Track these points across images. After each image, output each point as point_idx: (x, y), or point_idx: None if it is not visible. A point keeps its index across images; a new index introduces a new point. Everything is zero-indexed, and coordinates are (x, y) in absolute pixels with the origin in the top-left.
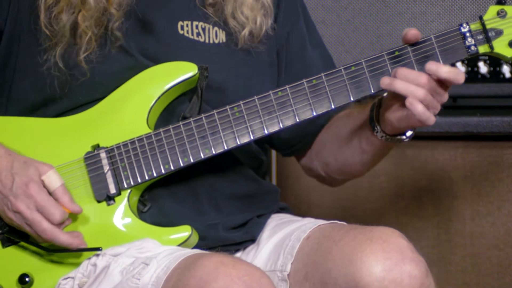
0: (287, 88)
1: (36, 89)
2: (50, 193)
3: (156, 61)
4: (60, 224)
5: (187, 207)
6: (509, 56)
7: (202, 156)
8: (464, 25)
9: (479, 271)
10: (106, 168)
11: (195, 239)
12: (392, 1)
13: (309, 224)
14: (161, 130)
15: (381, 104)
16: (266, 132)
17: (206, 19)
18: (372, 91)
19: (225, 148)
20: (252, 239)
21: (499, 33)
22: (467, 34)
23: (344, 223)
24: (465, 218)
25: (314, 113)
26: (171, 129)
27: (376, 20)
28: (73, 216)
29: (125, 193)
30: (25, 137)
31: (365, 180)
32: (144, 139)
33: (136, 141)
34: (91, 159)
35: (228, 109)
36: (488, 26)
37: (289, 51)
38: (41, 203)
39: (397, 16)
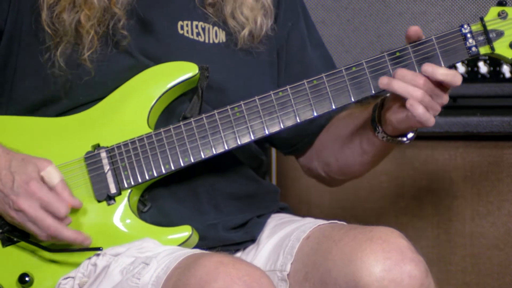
0: (288, 89)
1: (37, 88)
2: (50, 189)
3: (156, 61)
4: (63, 220)
5: (187, 207)
6: (510, 58)
7: (203, 156)
8: (465, 26)
9: (479, 271)
10: (107, 167)
11: (195, 239)
12: (392, 1)
13: (309, 224)
14: (161, 130)
15: (384, 104)
16: (267, 132)
17: (206, 19)
18: (373, 91)
19: (226, 148)
20: (252, 239)
21: (500, 34)
22: (468, 35)
23: (344, 223)
24: (465, 218)
25: (315, 114)
26: (172, 129)
27: (376, 20)
28: (74, 216)
29: (126, 193)
30: (25, 136)
31: (365, 180)
32: (145, 139)
33: (137, 141)
34: (92, 159)
35: (229, 109)
36: (489, 27)
37: (289, 51)
38: (45, 199)
39: (397, 16)
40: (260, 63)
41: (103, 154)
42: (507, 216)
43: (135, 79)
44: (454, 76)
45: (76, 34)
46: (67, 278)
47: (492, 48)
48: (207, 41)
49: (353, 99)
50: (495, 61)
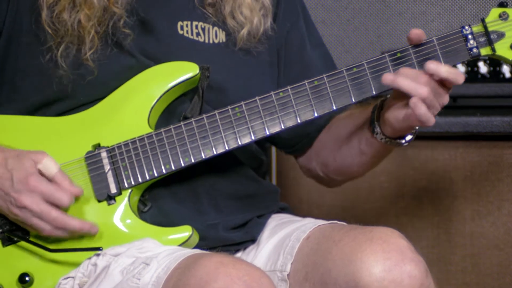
0: (289, 89)
1: (38, 89)
2: (50, 180)
3: (156, 61)
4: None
5: (187, 207)
6: (510, 59)
7: (203, 156)
8: (466, 27)
9: (479, 271)
10: (107, 167)
11: (195, 239)
12: (392, 1)
13: (309, 224)
14: (162, 130)
15: (383, 106)
16: (268, 132)
17: (206, 19)
18: (374, 92)
19: (226, 148)
20: (252, 239)
21: (501, 35)
22: (469, 36)
23: (344, 223)
24: (465, 218)
25: (316, 114)
26: (172, 129)
27: (376, 20)
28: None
29: (126, 193)
30: (25, 136)
31: (365, 180)
32: (145, 138)
33: (137, 141)
34: (92, 159)
35: (230, 109)
36: (490, 29)
37: (288, 51)
38: (46, 192)
39: (397, 16)
40: (260, 63)
41: (104, 154)
42: (507, 216)
43: (135, 79)
44: (457, 74)
45: (77, 34)
46: (67, 278)
47: (493, 50)
48: (207, 41)
49: (353, 100)
50: (495, 61)
